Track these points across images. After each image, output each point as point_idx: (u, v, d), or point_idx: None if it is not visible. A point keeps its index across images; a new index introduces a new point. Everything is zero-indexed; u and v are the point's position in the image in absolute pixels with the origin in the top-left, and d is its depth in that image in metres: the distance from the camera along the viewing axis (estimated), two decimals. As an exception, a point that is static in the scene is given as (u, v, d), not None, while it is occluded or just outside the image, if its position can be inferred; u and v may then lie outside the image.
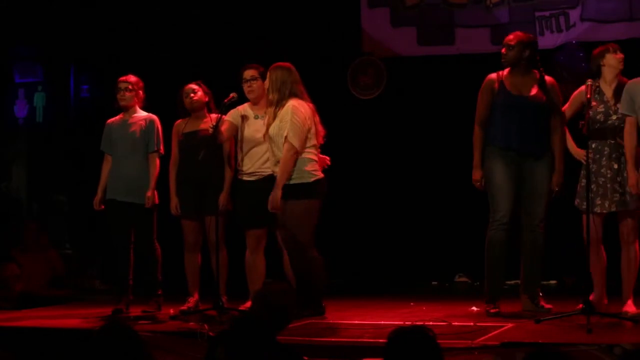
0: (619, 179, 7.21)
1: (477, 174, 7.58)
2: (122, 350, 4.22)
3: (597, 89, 7.38)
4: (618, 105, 7.22)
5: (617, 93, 7.26)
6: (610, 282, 7.44)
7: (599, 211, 7.23)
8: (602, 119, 7.32)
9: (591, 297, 7.05)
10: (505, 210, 7.45)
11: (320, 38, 10.35)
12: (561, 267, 9.51)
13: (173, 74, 9.54)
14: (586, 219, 7.03)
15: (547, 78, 7.59)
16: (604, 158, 7.31)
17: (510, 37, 7.59)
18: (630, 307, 7.16)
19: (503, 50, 7.56)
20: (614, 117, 7.27)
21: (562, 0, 9.74)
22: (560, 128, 7.55)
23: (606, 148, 7.31)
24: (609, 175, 7.27)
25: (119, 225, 8.17)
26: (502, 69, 7.58)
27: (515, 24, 9.55)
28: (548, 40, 9.75)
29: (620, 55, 7.38)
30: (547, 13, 9.81)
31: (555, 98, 7.56)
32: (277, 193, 7.36)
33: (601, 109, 7.33)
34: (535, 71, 7.58)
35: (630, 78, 7.17)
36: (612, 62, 7.37)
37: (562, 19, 9.75)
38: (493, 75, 7.59)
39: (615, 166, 7.23)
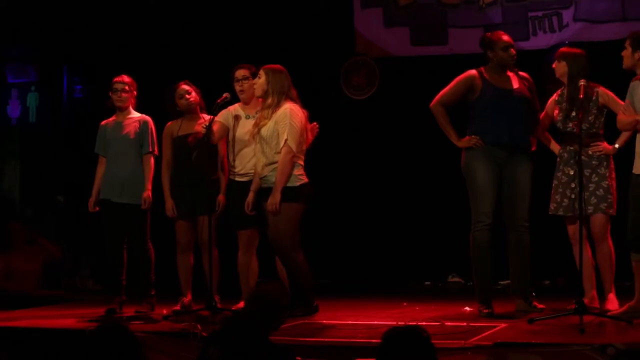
0: (572, 185, 7.23)
1: (462, 142, 7.53)
2: (119, 350, 4.21)
3: (560, 96, 7.45)
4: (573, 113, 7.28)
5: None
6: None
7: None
8: (561, 126, 7.43)
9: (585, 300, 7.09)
10: (488, 210, 7.45)
11: (313, 38, 10.34)
12: (553, 267, 9.51)
13: (166, 74, 9.52)
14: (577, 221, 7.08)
15: (523, 74, 7.62)
16: (562, 163, 7.43)
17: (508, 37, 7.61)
18: (611, 304, 7.24)
19: (512, 51, 7.54)
20: (570, 125, 7.32)
21: (555, 1, 9.74)
22: (536, 125, 7.61)
23: (565, 154, 7.44)
24: (563, 180, 7.40)
25: (112, 225, 8.16)
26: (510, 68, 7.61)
27: (508, 24, 9.57)
28: (541, 41, 9.76)
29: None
30: (540, 13, 9.81)
31: (535, 94, 7.60)
32: (276, 197, 7.37)
33: (561, 116, 7.42)
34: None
35: (623, 78, 7.17)
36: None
37: (555, 19, 9.75)
38: (474, 72, 7.57)
39: (572, 172, 7.29)
